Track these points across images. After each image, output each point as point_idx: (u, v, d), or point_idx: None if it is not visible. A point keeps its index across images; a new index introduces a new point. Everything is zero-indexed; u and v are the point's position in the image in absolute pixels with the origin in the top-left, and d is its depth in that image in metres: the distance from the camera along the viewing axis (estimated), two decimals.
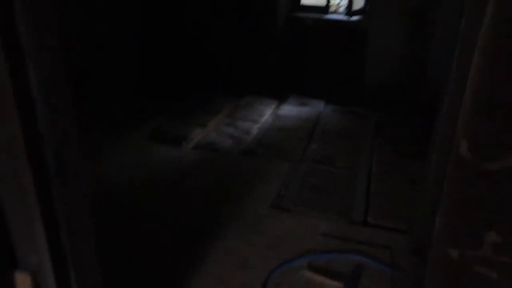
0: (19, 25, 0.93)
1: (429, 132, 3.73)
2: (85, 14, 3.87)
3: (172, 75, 4.79)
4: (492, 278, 0.86)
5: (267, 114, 4.18)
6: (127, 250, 2.28)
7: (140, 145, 3.47)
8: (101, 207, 2.56)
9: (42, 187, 1.09)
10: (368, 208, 2.76)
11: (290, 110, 4.25)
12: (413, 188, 2.96)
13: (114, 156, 3.27)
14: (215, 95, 4.51)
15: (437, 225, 0.88)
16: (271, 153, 3.40)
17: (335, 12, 5.20)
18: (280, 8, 4.61)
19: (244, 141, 3.59)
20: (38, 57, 0.98)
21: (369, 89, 4.48)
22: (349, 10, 4.66)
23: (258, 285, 2.09)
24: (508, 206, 0.81)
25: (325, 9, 4.83)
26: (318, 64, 4.72)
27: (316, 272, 2.17)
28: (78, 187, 1.21)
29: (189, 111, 4.07)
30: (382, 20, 4.25)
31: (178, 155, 3.34)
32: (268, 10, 4.59)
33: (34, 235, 1.13)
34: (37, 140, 1.04)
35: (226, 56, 4.82)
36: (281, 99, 4.53)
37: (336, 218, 2.63)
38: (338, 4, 7.10)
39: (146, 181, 2.95)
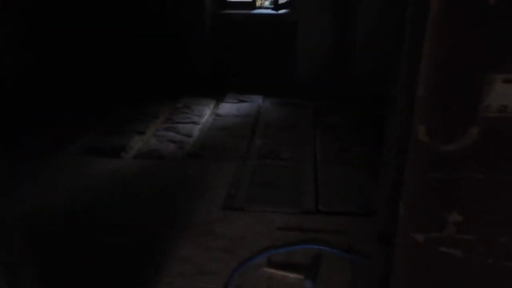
0: None
1: (364, 117, 3.92)
2: None
3: (100, 84, 4.54)
4: (457, 256, 0.89)
5: (207, 114, 4.10)
6: (76, 274, 2.12)
7: (75, 162, 3.23)
8: (39, 236, 2.36)
9: None
10: (318, 196, 2.80)
11: (229, 107, 4.21)
12: (357, 172, 3.07)
13: (49, 177, 3.01)
14: (149, 101, 4.34)
15: (401, 211, 0.89)
16: (215, 154, 3.34)
17: (261, 7, 5.23)
18: (207, 6, 4.54)
19: (186, 145, 3.49)
20: None
21: (303, 80, 4.57)
22: (275, 4, 4.70)
23: None
24: (466, 186, 0.84)
25: (252, 4, 4.84)
26: (251, 59, 4.73)
27: (276, 268, 2.16)
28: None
29: (124, 120, 3.88)
30: (308, 12, 4.35)
31: (118, 167, 3.17)
32: (195, 8, 4.50)
33: None
34: None
35: (157, 58, 4.67)
36: (219, 97, 4.48)
37: (289, 210, 2.64)
38: None
39: (86, 199, 2.75)
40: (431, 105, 0.78)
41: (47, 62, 4.26)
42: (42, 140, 3.54)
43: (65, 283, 2.04)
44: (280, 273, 2.13)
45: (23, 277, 1.15)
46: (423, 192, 0.85)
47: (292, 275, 2.11)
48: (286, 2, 4.72)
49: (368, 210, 2.64)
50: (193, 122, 3.88)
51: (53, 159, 3.26)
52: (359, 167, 3.13)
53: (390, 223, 0.94)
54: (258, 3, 5.08)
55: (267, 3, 6.75)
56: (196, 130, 3.76)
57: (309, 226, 2.51)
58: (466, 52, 0.73)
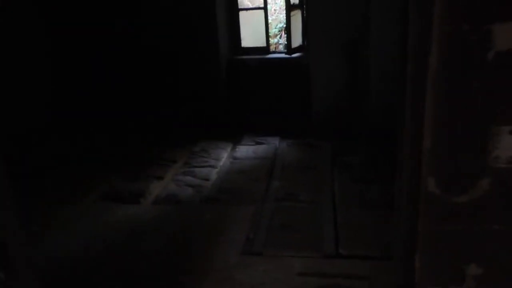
0: None
1: (379, 156, 3.88)
2: None
3: (117, 128, 4.68)
4: None
5: (224, 157, 4.15)
6: None
7: (95, 209, 3.28)
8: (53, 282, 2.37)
9: None
10: (338, 239, 2.75)
11: (246, 150, 4.25)
12: (377, 214, 3.01)
13: (68, 225, 3.05)
14: (167, 145, 4.43)
15: (417, 264, 0.87)
16: (233, 197, 3.35)
17: (275, 51, 5.39)
18: (222, 52, 4.70)
19: (204, 188, 3.52)
20: None
21: (318, 120, 4.61)
22: (289, 48, 4.84)
23: None
24: (483, 237, 0.82)
25: (266, 49, 5.00)
26: (267, 102, 4.82)
27: None
28: (27, 278, 1.09)
29: (143, 165, 3.95)
30: (320, 54, 4.44)
31: (137, 213, 3.20)
32: (210, 55, 4.67)
33: None
34: None
35: (172, 102, 4.80)
36: (236, 140, 4.53)
37: (309, 254, 2.59)
38: (277, 42, 7.41)
39: (103, 246, 2.77)
40: (439, 157, 0.78)
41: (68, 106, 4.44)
42: (63, 185, 3.62)
43: None
44: None
45: None
46: (438, 244, 0.83)
47: None
48: (299, 46, 4.85)
49: (390, 254, 2.57)
50: (210, 166, 3.91)
51: (73, 205, 3.32)
52: (378, 209, 3.07)
53: (408, 275, 0.92)
54: (272, 48, 5.24)
55: (281, 47, 6.97)
56: (213, 174, 3.79)
57: (329, 271, 2.45)
58: (469, 106, 0.74)
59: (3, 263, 0.99)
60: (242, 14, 4.94)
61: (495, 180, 0.77)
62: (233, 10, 4.89)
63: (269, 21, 5.21)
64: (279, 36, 7.56)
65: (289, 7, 4.66)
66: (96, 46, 4.73)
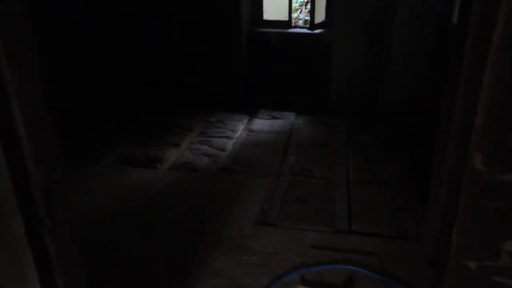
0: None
1: (395, 137, 3.88)
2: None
3: (135, 96, 4.70)
4: (511, 286, 0.89)
5: (240, 130, 4.17)
6: (111, 274, 2.19)
7: (111, 171, 3.34)
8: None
9: (32, 230, 1.02)
10: (351, 216, 2.79)
11: (262, 124, 4.26)
12: (391, 193, 3.04)
13: (86, 185, 3.11)
14: (184, 114, 4.45)
15: (454, 238, 0.90)
16: (249, 169, 3.39)
17: (296, 26, 5.31)
18: (243, 24, 4.65)
19: (220, 159, 3.56)
20: (21, 96, 0.93)
21: (336, 98, 4.59)
22: (311, 24, 4.76)
23: None
24: None
25: (288, 23, 4.92)
26: (285, 77, 4.79)
27: (309, 286, 2.16)
28: (67, 225, 1.15)
29: (159, 132, 3.99)
30: (343, 32, 4.38)
31: (154, 178, 3.25)
32: (231, 26, 4.62)
33: (27, 284, 1.06)
34: (25, 180, 0.98)
35: (192, 72, 4.79)
36: (252, 113, 4.54)
37: (322, 228, 2.64)
38: (297, 17, 7.28)
39: (122, 208, 2.84)
40: (489, 134, 0.79)
41: (87, 74, 4.46)
42: (80, 149, 3.68)
43: None
44: None
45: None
46: (477, 220, 0.85)
47: None
48: (322, 22, 4.78)
49: (401, 233, 2.61)
50: (226, 137, 3.94)
51: (94, 168, 3.38)
52: (392, 188, 3.10)
53: (440, 249, 0.95)
54: (292, 22, 5.16)
55: (300, 22, 6.86)
56: (229, 145, 3.82)
57: (342, 246, 2.50)
58: None
59: (48, 210, 1.03)
60: None
61: None
62: None
63: None
64: (299, 11, 7.43)
65: None
66: (116, 15, 4.69)
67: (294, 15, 7.24)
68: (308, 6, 5.48)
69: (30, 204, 1.01)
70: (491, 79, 0.77)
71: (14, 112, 0.94)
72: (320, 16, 4.77)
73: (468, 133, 0.82)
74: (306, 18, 6.68)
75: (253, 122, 4.33)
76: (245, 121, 4.38)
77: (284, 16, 4.92)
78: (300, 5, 7.45)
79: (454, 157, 0.90)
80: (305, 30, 4.82)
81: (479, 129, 0.80)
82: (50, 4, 3.90)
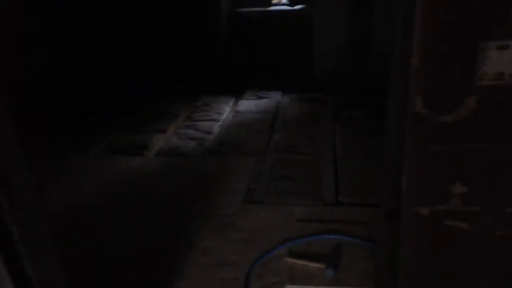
0: None
1: (383, 110, 3.87)
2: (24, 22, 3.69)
3: (121, 85, 4.67)
4: (463, 229, 0.89)
5: (226, 112, 4.16)
6: (100, 257, 2.20)
7: (99, 160, 3.34)
8: (65, 229, 2.46)
9: None
10: (338, 188, 2.80)
11: (248, 104, 4.25)
12: (377, 164, 3.04)
13: (73, 174, 3.12)
14: (169, 100, 4.43)
15: (404, 185, 0.90)
16: (235, 149, 3.39)
17: (278, 3, 5.25)
18: (223, 4, 4.60)
19: (207, 141, 3.55)
20: None
21: (321, 75, 4.56)
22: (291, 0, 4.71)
23: (241, 279, 2.07)
24: (468, 157, 0.83)
25: (268, 1, 4.86)
26: (269, 56, 4.76)
27: (297, 258, 2.18)
28: (31, 207, 1.14)
29: (146, 120, 3.98)
30: (324, 6, 4.33)
31: (141, 164, 3.25)
32: (210, 7, 4.56)
33: None
34: None
35: (173, 58, 4.75)
36: (238, 95, 4.52)
37: (309, 202, 2.65)
38: None
39: (110, 195, 2.84)
40: (427, 76, 0.78)
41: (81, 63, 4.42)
42: (67, 139, 3.67)
43: (91, 270, 2.13)
44: (301, 262, 2.15)
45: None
46: (424, 165, 0.85)
47: (313, 265, 2.12)
48: None
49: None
50: (212, 120, 3.93)
51: (79, 157, 3.38)
52: (379, 159, 3.10)
53: (395, 199, 0.95)
54: (275, 0, 5.10)
55: (284, 0, 6.78)
56: (216, 127, 3.81)
57: (329, 217, 2.51)
58: (459, 21, 0.74)
59: (5, 192, 1.02)
60: None
61: (481, 98, 0.77)
62: None
63: None
64: None
65: None
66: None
67: None
68: None
69: None
70: (421, 20, 0.76)
71: None
72: None
73: (407, 77, 0.82)
74: None
75: (239, 103, 4.31)
76: (231, 103, 4.36)
77: None
78: None
79: (397, 103, 0.89)
80: (285, 7, 4.77)
81: (416, 71, 0.79)
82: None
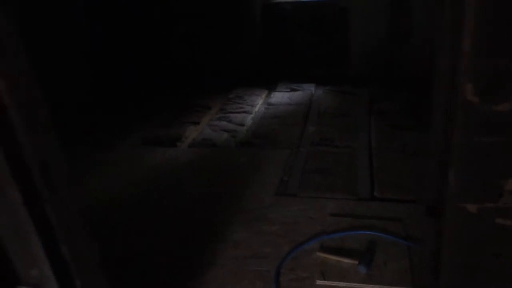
0: None
1: (418, 103, 3.72)
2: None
3: (155, 77, 4.73)
4: None
5: (259, 104, 4.13)
6: (137, 249, 2.24)
7: (134, 152, 3.40)
8: (106, 217, 2.52)
9: (31, 200, 1.04)
10: (373, 183, 2.72)
11: (281, 96, 4.20)
12: (413, 159, 2.94)
13: (110, 167, 3.19)
14: (203, 93, 4.46)
15: (451, 180, 0.84)
16: (268, 142, 3.36)
17: None
18: None
19: (239, 133, 3.55)
20: (5, 63, 0.93)
21: (356, 67, 4.44)
22: None
23: (273, 272, 2.05)
24: None
25: None
26: (303, 48, 4.67)
27: (330, 253, 2.13)
28: (69, 194, 1.16)
29: (179, 112, 4.01)
30: None
31: (175, 155, 3.29)
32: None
33: (30, 248, 1.09)
34: (17, 150, 0.99)
35: (207, 51, 4.75)
36: (271, 87, 4.48)
37: (343, 196, 2.60)
38: None
39: (145, 185, 2.88)
40: (479, 61, 0.71)
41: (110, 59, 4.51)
42: (104, 131, 3.77)
43: (126, 255, 2.17)
44: (333, 258, 2.10)
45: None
46: (474, 159, 0.79)
47: (346, 260, 2.07)
48: None
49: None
50: (245, 112, 3.92)
51: (116, 149, 3.46)
52: (415, 154, 2.99)
53: (440, 195, 0.89)
54: None
55: None
56: (248, 119, 3.79)
57: (363, 213, 2.45)
58: None
59: (45, 181, 1.04)
60: None
61: None
62: None
63: None
64: None
65: None
66: None
67: None
68: None
69: (25, 175, 1.02)
70: None
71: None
72: None
73: (458, 62, 0.75)
74: None
75: (272, 95, 4.27)
76: (263, 95, 4.33)
77: None
78: None
79: (446, 90, 0.83)
80: None
81: (467, 55, 0.73)
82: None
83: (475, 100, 0.75)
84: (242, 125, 3.68)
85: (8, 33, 0.95)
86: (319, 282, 1.97)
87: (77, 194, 1.18)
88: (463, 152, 0.80)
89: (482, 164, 0.80)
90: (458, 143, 0.79)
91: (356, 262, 2.04)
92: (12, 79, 0.94)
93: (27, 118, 0.99)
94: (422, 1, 3.91)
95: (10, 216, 1.04)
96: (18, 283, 1.15)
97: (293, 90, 4.33)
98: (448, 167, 0.83)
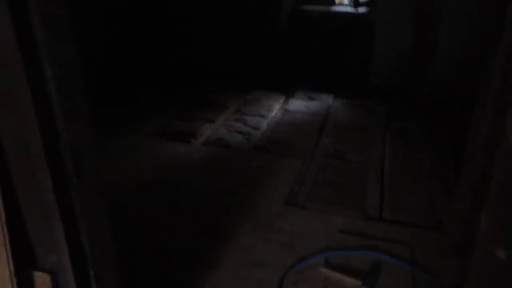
0: (32, 18, 0.89)
1: (438, 125, 3.70)
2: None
3: (176, 69, 4.75)
4: None
5: (275, 109, 4.13)
6: (143, 242, 2.25)
7: (147, 143, 3.41)
8: (114, 205, 2.52)
9: (59, 186, 1.05)
10: (382, 203, 2.71)
11: (298, 104, 4.20)
12: (426, 181, 2.92)
13: (122, 155, 3.20)
14: (221, 91, 4.46)
15: (483, 223, 0.83)
16: (282, 148, 3.36)
17: (340, 4, 5.13)
18: (284, 1, 4.55)
19: (254, 137, 3.55)
20: (53, 53, 0.94)
21: (377, 82, 4.43)
22: (356, 2, 4.59)
23: (275, 283, 2.05)
24: None
25: (331, 1, 4.77)
26: (325, 57, 4.67)
27: (334, 269, 2.13)
28: (94, 184, 1.17)
29: (196, 108, 4.03)
30: (388, 12, 4.19)
31: (188, 152, 3.30)
32: (272, 2, 4.53)
33: (52, 233, 1.10)
34: (54, 137, 1.00)
35: (231, 50, 4.77)
36: (289, 93, 4.48)
37: (351, 213, 2.59)
38: None
39: (156, 180, 2.90)
40: None
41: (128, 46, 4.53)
42: (118, 120, 3.78)
43: (133, 258, 2.17)
44: (337, 275, 2.10)
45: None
46: (509, 204, 0.78)
47: (349, 279, 2.07)
48: (367, 0, 4.59)
49: (436, 224, 2.50)
50: (261, 116, 3.92)
51: (129, 138, 3.47)
52: (429, 177, 2.97)
53: (467, 235, 0.88)
54: (338, 0, 4.99)
55: (346, 1, 6.63)
56: (264, 124, 3.80)
57: (371, 232, 2.44)
58: None
59: (75, 168, 1.05)
60: None
61: None
62: None
63: None
64: None
65: None
66: None
67: None
68: None
69: (58, 162, 1.03)
70: None
71: (45, 70, 0.95)
72: None
73: (504, 107, 0.75)
74: None
75: (290, 102, 4.27)
76: (281, 101, 4.33)
77: None
78: None
79: (488, 135, 0.82)
80: (348, 9, 4.65)
81: None
82: None
83: None
84: (257, 128, 3.68)
85: (62, 20, 0.96)
86: None
87: (102, 186, 1.20)
88: (499, 195, 0.79)
89: None
90: (495, 188, 0.79)
91: (360, 282, 2.03)
92: (59, 68, 0.95)
93: (68, 107, 1.00)
94: (450, 19, 3.89)
95: (37, 201, 1.05)
96: (34, 267, 1.16)
97: (311, 99, 4.33)
98: (482, 208, 0.83)
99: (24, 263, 1.14)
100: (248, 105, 4.16)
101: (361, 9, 4.57)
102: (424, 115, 3.94)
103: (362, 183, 2.92)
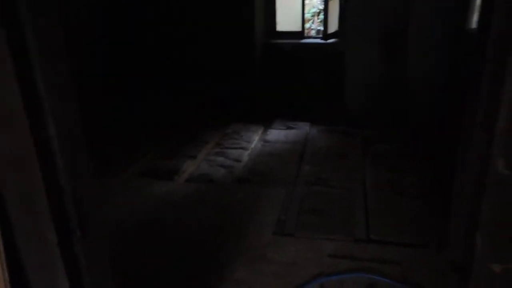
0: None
1: (413, 146, 3.86)
2: None
3: (157, 113, 4.78)
4: None
5: (255, 140, 4.20)
6: (136, 282, 2.22)
7: (132, 184, 3.40)
8: None
9: (64, 240, 1.06)
10: (369, 225, 2.78)
11: (277, 134, 4.29)
12: (409, 202, 3.02)
13: (108, 196, 3.18)
14: (200, 126, 4.52)
15: (479, 241, 0.90)
16: (264, 179, 3.40)
17: (309, 36, 5.36)
18: (257, 36, 4.72)
19: (236, 169, 3.59)
20: (56, 112, 0.97)
21: (350, 108, 4.59)
22: (325, 34, 4.81)
23: None
24: None
25: (301, 34, 4.98)
26: (299, 87, 4.83)
27: None
28: (98, 237, 1.18)
29: (178, 145, 4.05)
30: (357, 43, 4.40)
31: (172, 190, 3.29)
32: (245, 39, 4.69)
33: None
34: (58, 194, 1.02)
35: (207, 87, 4.86)
36: (267, 124, 4.58)
37: (340, 238, 2.64)
38: (309, 27, 7.34)
39: (141, 221, 2.87)
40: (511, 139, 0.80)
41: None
42: (104, 161, 3.75)
43: None
44: None
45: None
46: (501, 224, 0.85)
47: None
48: (335, 32, 4.82)
49: (422, 242, 2.58)
50: (242, 148, 3.98)
51: (114, 179, 3.44)
52: (410, 197, 3.08)
53: (466, 254, 0.95)
54: (305, 33, 5.21)
55: (313, 32, 6.91)
56: (245, 156, 3.85)
57: (360, 254, 2.48)
58: None
59: (79, 221, 1.07)
60: None
61: None
62: None
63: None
64: (311, 21, 7.49)
65: None
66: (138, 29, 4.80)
67: (307, 25, 7.30)
68: (321, 16, 5.54)
69: (62, 216, 1.04)
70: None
71: (49, 127, 0.98)
72: (333, 26, 4.81)
73: (490, 138, 0.83)
74: (319, 28, 6.73)
75: (268, 132, 4.35)
76: (260, 132, 4.41)
77: (297, 27, 4.98)
78: (312, 15, 7.52)
79: (477, 162, 0.90)
80: (318, 41, 4.86)
81: (501, 134, 0.81)
82: None
83: (506, 172, 0.82)
84: (239, 161, 3.73)
85: (65, 85, 1.00)
86: None
87: (105, 239, 1.20)
88: (492, 218, 0.86)
89: (508, 228, 0.87)
90: (487, 209, 0.86)
91: None
92: (63, 128, 0.98)
93: (70, 163, 1.02)
94: (415, 48, 4.12)
95: (42, 257, 1.05)
96: None
97: (289, 128, 4.43)
98: (477, 229, 0.90)
99: None
100: (227, 138, 4.22)
101: (331, 40, 4.78)
102: (400, 138, 4.10)
103: (347, 207, 2.98)
